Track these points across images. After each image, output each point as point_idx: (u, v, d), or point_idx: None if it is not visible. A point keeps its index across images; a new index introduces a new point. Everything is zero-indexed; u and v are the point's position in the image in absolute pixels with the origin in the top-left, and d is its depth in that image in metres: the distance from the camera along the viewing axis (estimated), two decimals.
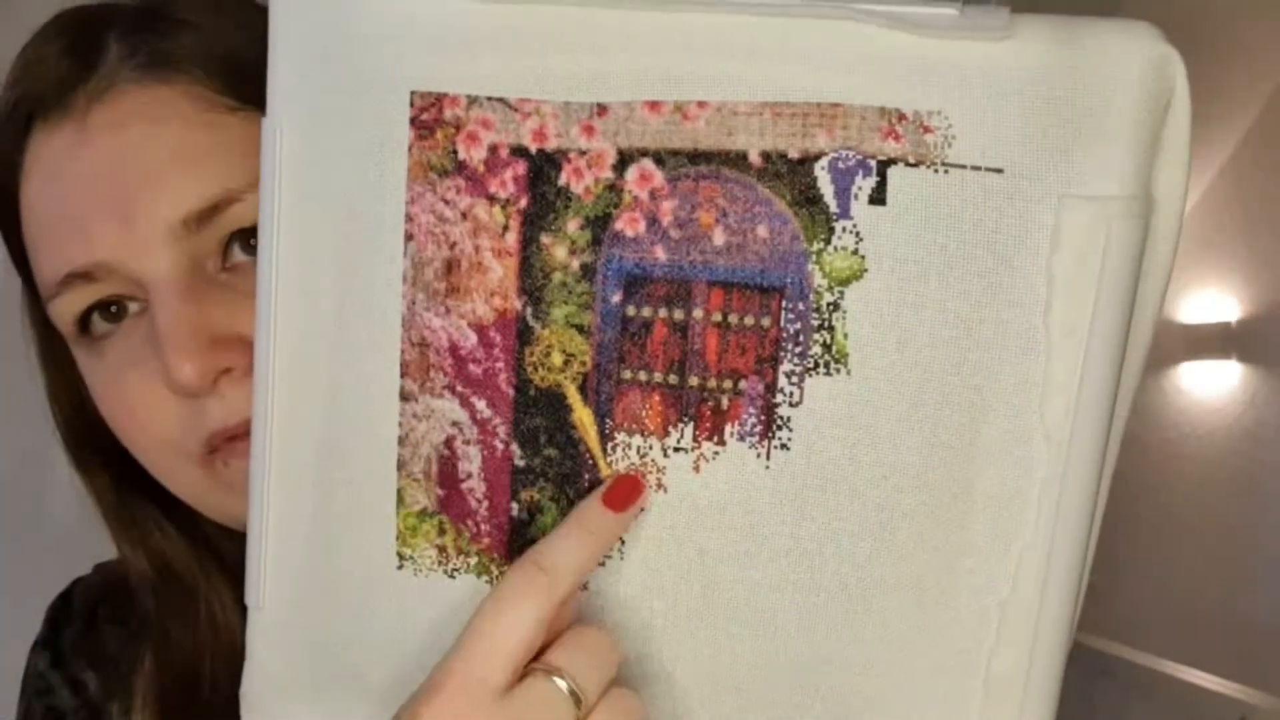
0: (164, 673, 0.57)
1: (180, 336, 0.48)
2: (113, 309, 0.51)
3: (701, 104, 0.43)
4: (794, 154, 0.42)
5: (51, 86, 0.50)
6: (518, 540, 0.47)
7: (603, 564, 0.46)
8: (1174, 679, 2.12)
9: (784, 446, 0.43)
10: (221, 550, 0.60)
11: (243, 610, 0.58)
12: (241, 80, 0.52)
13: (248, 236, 0.51)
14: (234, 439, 0.51)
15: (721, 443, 0.44)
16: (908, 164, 0.41)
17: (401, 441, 0.48)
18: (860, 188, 0.41)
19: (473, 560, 0.48)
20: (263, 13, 0.56)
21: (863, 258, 0.42)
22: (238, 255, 0.51)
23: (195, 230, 0.49)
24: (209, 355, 0.48)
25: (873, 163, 0.41)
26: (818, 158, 0.42)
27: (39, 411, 0.60)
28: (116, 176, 0.48)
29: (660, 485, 0.45)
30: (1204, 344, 2.83)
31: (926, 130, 0.41)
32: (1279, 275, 2.66)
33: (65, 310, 0.51)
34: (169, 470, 0.53)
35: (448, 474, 0.48)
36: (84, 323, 0.52)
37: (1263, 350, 2.72)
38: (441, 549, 0.48)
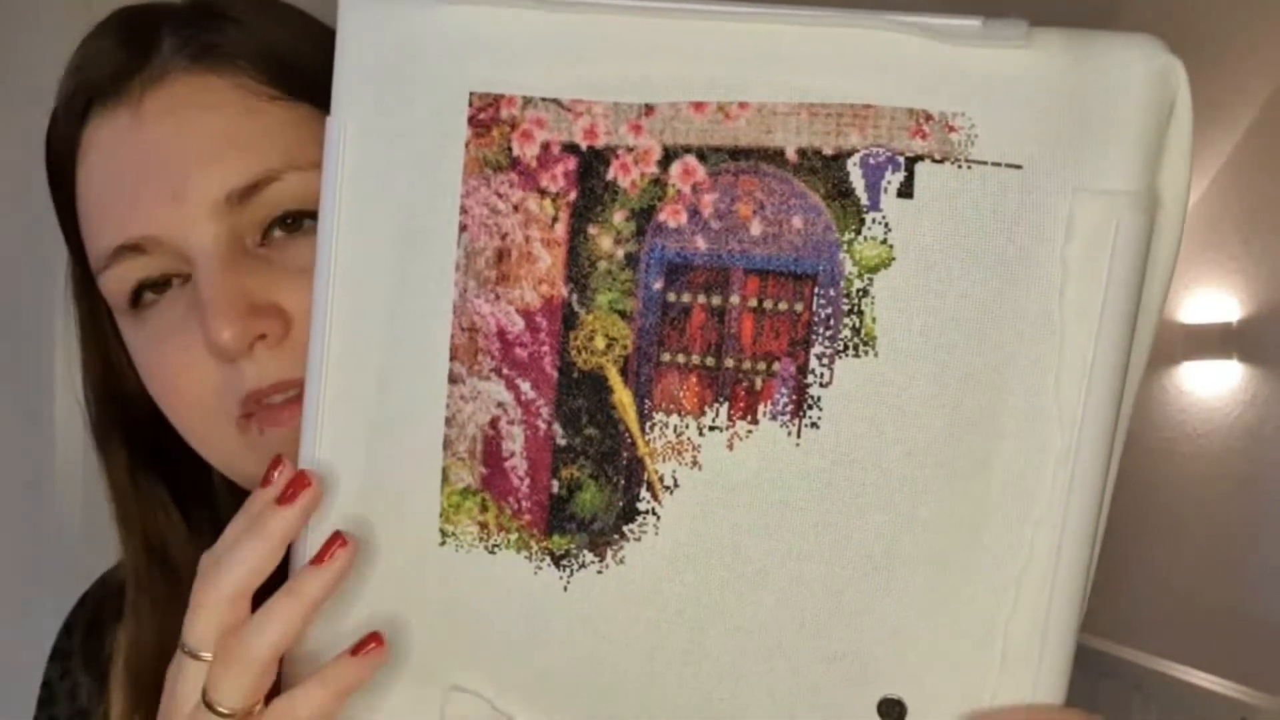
0: (136, 653, 0.58)
1: (221, 303, 0.50)
2: (159, 281, 0.53)
3: (743, 105, 0.46)
4: (828, 150, 0.45)
5: (109, 75, 0.53)
6: (557, 515, 0.49)
7: (639, 539, 0.48)
8: (1174, 679, 2.07)
9: (814, 425, 0.46)
10: None
11: None
12: (282, 73, 0.55)
13: (285, 214, 0.53)
14: (270, 407, 0.53)
15: (755, 421, 0.46)
16: (934, 160, 0.44)
17: (448, 422, 0.50)
18: (890, 182, 0.44)
19: (513, 536, 0.49)
20: (300, 14, 0.59)
21: (891, 247, 0.44)
22: (275, 231, 0.53)
23: (237, 206, 0.52)
24: (246, 321, 0.50)
25: (901, 159, 0.44)
26: (850, 154, 0.45)
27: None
28: (168, 156, 0.51)
29: (695, 463, 0.47)
30: (1205, 344, 2.78)
31: (951, 129, 0.44)
32: (1279, 275, 2.62)
33: (115, 281, 0.53)
34: (206, 434, 0.55)
35: (492, 453, 0.49)
36: (133, 294, 0.54)
37: (1263, 350, 2.67)
38: (483, 525, 0.50)
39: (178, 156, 0.51)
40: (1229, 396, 2.78)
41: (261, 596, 0.46)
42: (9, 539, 1.25)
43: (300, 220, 0.54)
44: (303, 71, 0.55)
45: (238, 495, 0.56)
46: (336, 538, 0.44)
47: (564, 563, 0.48)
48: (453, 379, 0.49)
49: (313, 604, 0.43)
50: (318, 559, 0.44)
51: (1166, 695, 2.12)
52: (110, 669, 0.60)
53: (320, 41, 0.57)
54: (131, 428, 0.59)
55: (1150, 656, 2.21)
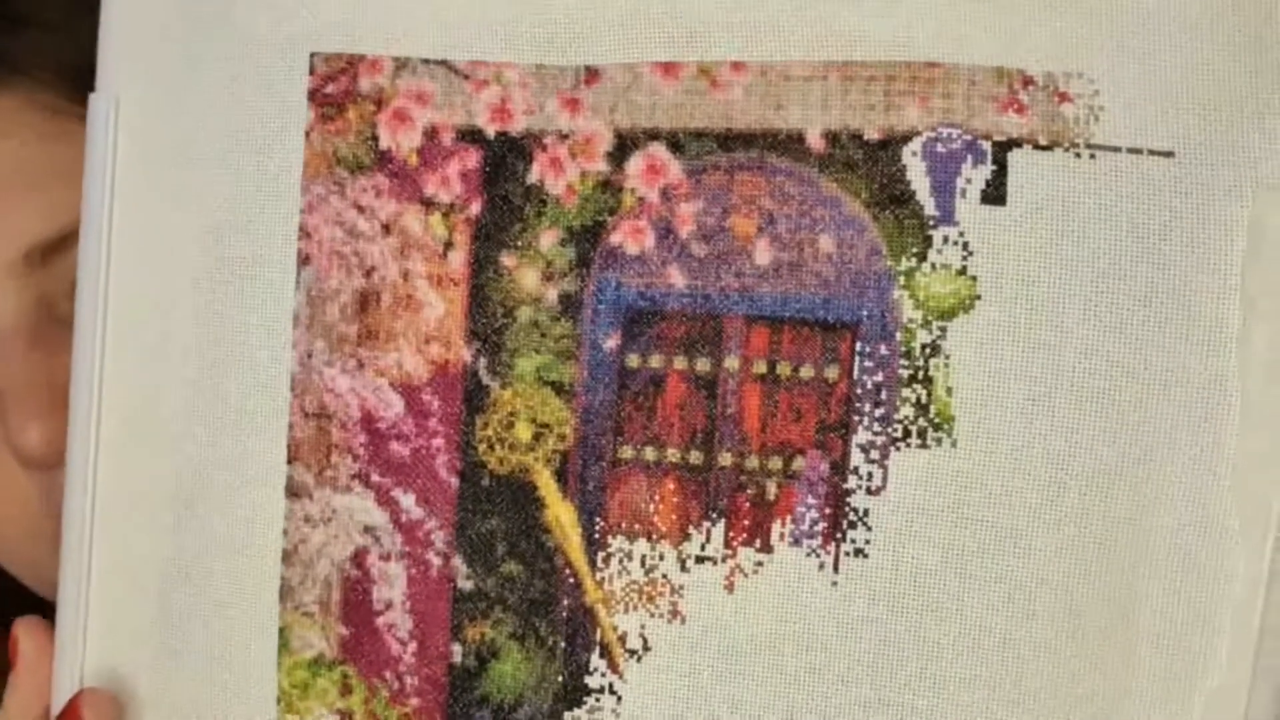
0: None
1: (24, 395, 0.40)
2: None
3: (737, 66, 0.30)
4: (872, 134, 0.29)
5: None
6: (461, 699, 0.32)
7: None
8: None
9: (860, 553, 0.30)
10: None
11: None
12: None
13: None
14: None
15: (767, 548, 0.30)
16: (1037, 146, 0.29)
17: (287, 558, 0.32)
18: (969, 180, 0.29)
19: None
20: None
21: (973, 279, 0.29)
22: None
23: (41, 266, 0.41)
24: (60, 416, 0.38)
25: (986, 145, 0.29)
26: (907, 139, 0.29)
27: None
28: None
29: (676, 613, 0.31)
30: None
31: (1063, 99, 0.28)
32: None
33: None
34: (21, 561, 0.44)
35: (356, 605, 0.32)
36: None
37: None
38: (346, 716, 0.32)
39: None
40: None
41: None
42: None
43: None
44: None
45: None
46: (75, 707, 0.33)
47: None
48: (292, 492, 0.32)
49: None
50: None
51: None
52: None
53: None
54: None
55: None
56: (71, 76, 0.42)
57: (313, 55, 0.31)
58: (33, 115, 0.42)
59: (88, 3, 0.44)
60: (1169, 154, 0.28)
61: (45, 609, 0.43)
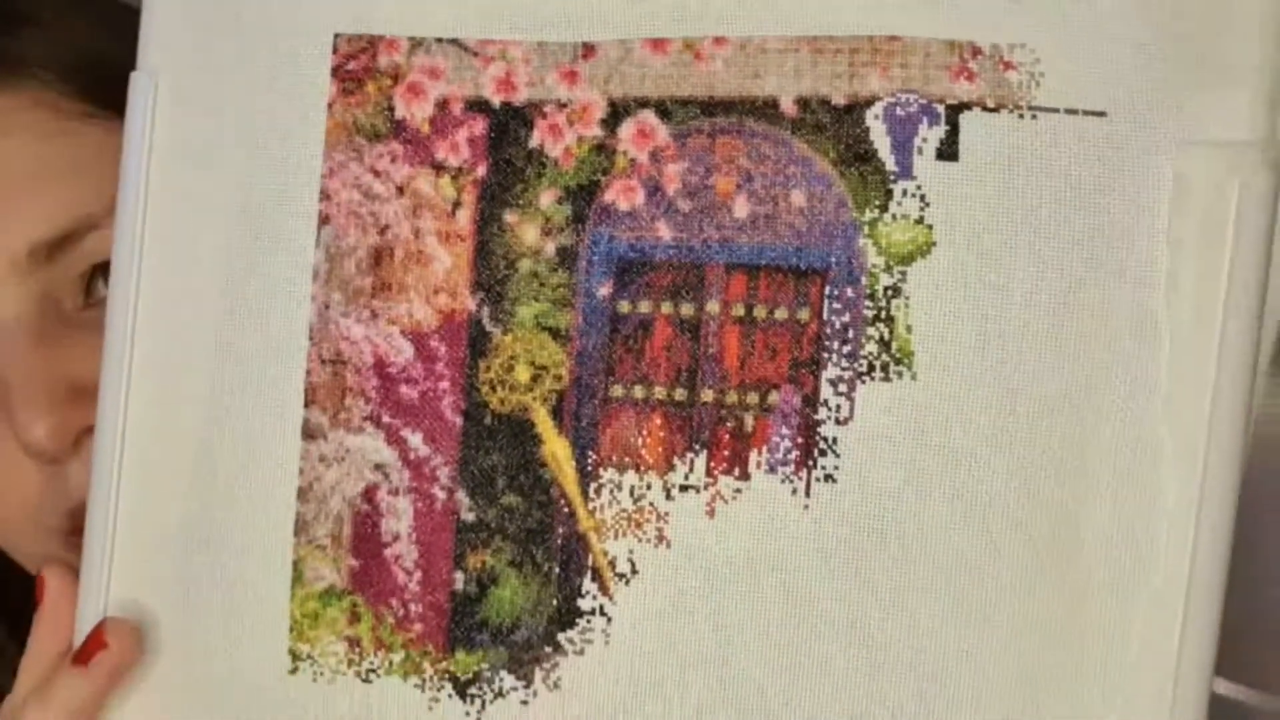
0: None
1: (31, 390, 0.40)
2: None
3: (719, 40, 0.33)
4: (839, 99, 0.32)
5: None
6: (463, 623, 0.34)
7: (581, 653, 0.33)
8: None
9: (829, 478, 0.32)
10: None
11: None
12: (98, 82, 0.42)
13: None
14: None
15: (745, 476, 0.33)
16: (985, 109, 0.32)
17: (302, 495, 0.35)
18: (925, 140, 0.32)
19: (397, 656, 0.34)
20: (123, 8, 0.45)
21: (930, 228, 0.32)
22: (101, 290, 0.42)
23: (46, 262, 0.41)
24: (66, 410, 0.40)
25: (940, 108, 0.32)
26: (870, 103, 0.32)
27: None
28: None
29: (662, 538, 0.33)
30: None
31: (1007, 67, 0.32)
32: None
33: None
34: (31, 551, 0.43)
35: (366, 537, 0.34)
36: None
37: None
38: (353, 642, 0.34)
39: None
40: None
41: None
42: None
43: None
44: (126, 77, 0.42)
45: None
46: (99, 632, 0.34)
47: (473, 691, 0.33)
48: (309, 434, 0.34)
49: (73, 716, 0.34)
50: (79, 658, 0.34)
51: None
52: None
53: None
54: None
55: None
56: (74, 75, 0.43)
57: (336, 36, 0.35)
58: (37, 114, 0.42)
59: (83, 3, 0.45)
60: (1102, 114, 0.31)
61: None
